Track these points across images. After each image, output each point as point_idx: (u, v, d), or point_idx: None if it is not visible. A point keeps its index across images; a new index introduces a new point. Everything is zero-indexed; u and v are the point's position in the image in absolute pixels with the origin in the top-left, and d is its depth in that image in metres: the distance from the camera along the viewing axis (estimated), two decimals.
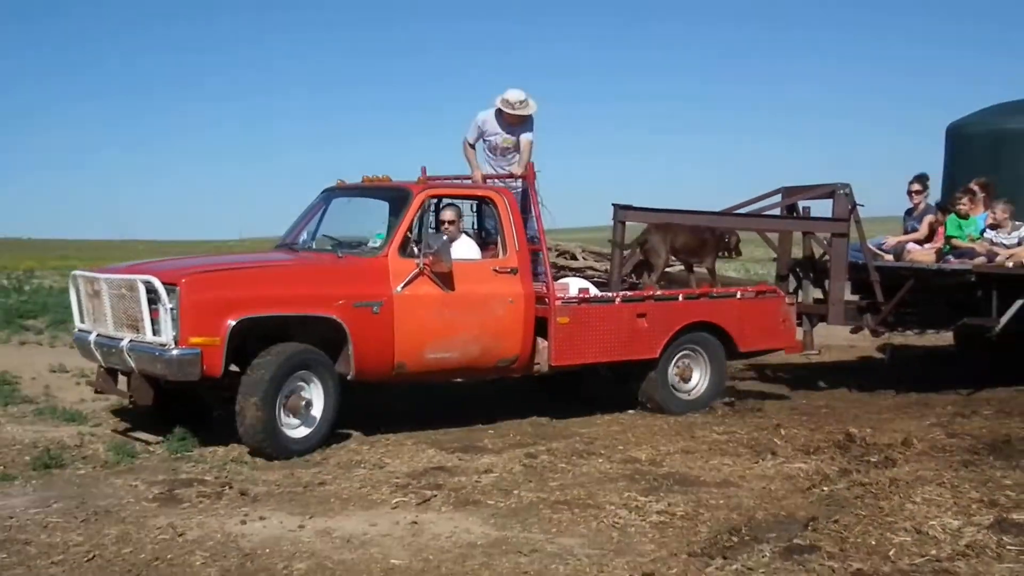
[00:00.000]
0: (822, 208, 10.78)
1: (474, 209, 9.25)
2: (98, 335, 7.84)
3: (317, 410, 7.53)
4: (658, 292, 9.43)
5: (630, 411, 9.34)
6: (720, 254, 10.28)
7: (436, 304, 7.99)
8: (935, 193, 11.76)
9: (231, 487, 6.47)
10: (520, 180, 9.14)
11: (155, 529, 5.57)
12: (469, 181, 9.42)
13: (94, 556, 5.14)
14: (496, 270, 8.39)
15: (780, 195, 10.97)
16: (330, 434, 7.65)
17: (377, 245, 8.08)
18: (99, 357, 7.91)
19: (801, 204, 10.96)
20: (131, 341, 7.38)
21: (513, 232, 8.50)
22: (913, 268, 10.42)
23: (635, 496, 6.31)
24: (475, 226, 9.28)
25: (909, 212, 11.39)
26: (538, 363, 8.67)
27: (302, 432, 7.48)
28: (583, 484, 6.67)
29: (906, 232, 11.36)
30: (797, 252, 11.42)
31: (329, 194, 9.21)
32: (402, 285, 7.83)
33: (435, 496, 6.34)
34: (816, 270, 11.12)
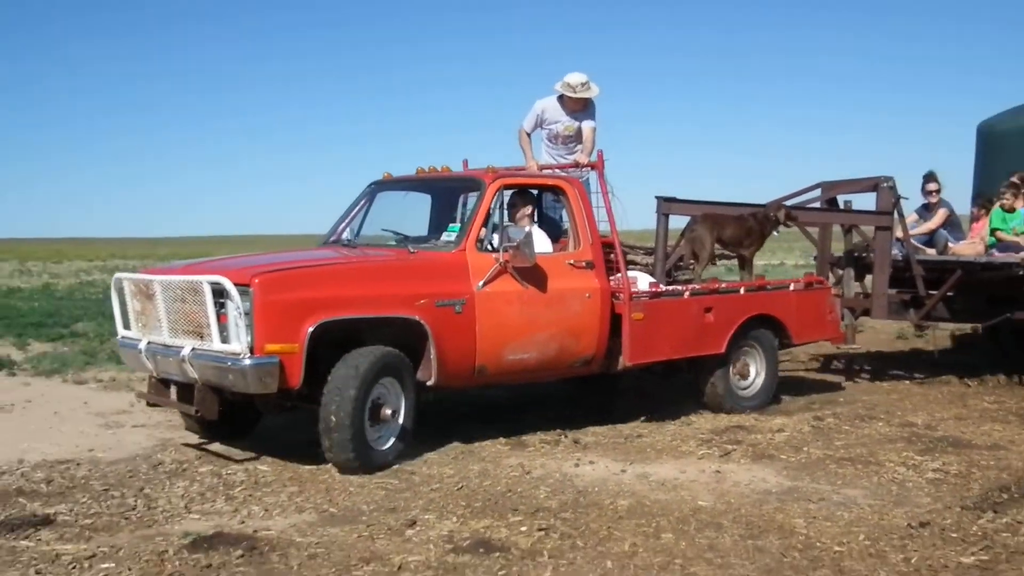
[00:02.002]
0: (863, 203, 10.47)
1: (537, 200, 8.47)
2: (150, 343, 6.94)
3: (400, 419, 6.76)
4: (722, 285, 8.80)
5: (906, 381, 10.34)
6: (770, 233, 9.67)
7: (517, 301, 7.26)
8: (962, 189, 11.48)
9: (566, 436, 7.53)
10: (583, 169, 8.40)
11: (508, 467, 6.67)
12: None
13: (462, 486, 6.21)
14: (571, 264, 7.64)
15: (819, 189, 10.53)
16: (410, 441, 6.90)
17: (452, 239, 7.29)
18: (151, 367, 7.02)
19: (842, 198, 10.44)
20: (194, 350, 6.51)
21: (586, 223, 7.80)
22: (960, 261, 10.02)
23: (912, 455, 6.98)
24: (535, 218, 8.52)
25: (925, 207, 11.05)
26: (612, 362, 7.95)
27: (389, 443, 6.71)
28: (865, 444, 7.42)
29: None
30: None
31: (375, 188, 8.39)
32: (483, 282, 7.08)
33: (735, 450, 7.19)
34: (858, 264, 10.74)
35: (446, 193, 8.40)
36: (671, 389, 9.28)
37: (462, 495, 6.01)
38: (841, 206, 10.37)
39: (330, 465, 6.50)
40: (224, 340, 6.33)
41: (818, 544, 5.11)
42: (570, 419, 8.06)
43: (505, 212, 7.55)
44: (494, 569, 4.78)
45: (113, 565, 4.82)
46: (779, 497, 5.96)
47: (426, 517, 5.56)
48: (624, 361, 7.88)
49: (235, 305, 6.20)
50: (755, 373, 9.01)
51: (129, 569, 4.77)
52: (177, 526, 5.49)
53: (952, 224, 10.94)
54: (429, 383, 6.89)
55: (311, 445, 6.64)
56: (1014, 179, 10.39)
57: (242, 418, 7.36)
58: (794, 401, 9.34)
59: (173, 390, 7.08)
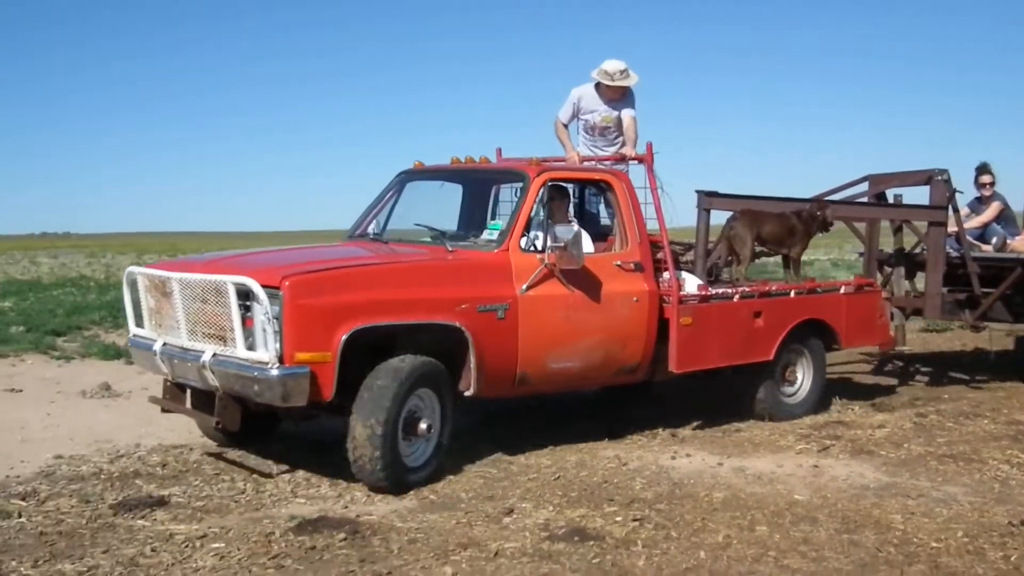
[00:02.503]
0: (912, 197, 9.88)
1: (576, 195, 7.89)
2: (166, 344, 6.39)
3: (435, 433, 6.20)
4: (773, 287, 8.24)
5: (1014, 379, 9.85)
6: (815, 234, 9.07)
7: (562, 306, 6.71)
8: (1014, 184, 10.92)
9: (663, 429, 7.57)
10: (627, 162, 7.81)
11: (604, 459, 6.70)
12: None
13: (559, 476, 6.29)
14: (619, 265, 7.07)
15: (867, 183, 9.91)
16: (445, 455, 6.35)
17: (494, 238, 6.72)
18: (167, 370, 6.48)
19: (892, 193, 9.86)
20: (215, 355, 5.95)
21: (634, 221, 7.23)
22: (1021, 259, 9.38)
23: (1017, 453, 6.89)
24: (574, 214, 7.94)
25: (978, 201, 10.45)
26: (657, 369, 7.41)
27: (423, 459, 6.17)
28: (968, 441, 7.33)
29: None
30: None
31: (405, 177, 7.81)
32: (527, 284, 6.52)
33: (833, 445, 7.19)
34: (909, 262, 10.16)
35: (482, 186, 7.84)
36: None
37: (559, 485, 6.10)
38: (891, 201, 9.80)
39: None
40: (250, 347, 5.78)
41: (915, 540, 5.12)
42: (667, 414, 8.05)
43: (549, 209, 6.95)
44: (588, 557, 4.86)
45: (223, 545, 5.02)
46: (877, 492, 5.97)
47: (523, 505, 5.68)
48: (671, 369, 7.34)
49: (263, 309, 5.64)
50: (802, 379, 8.50)
51: (238, 549, 4.96)
52: (284, 509, 5.67)
53: (1007, 218, 10.32)
54: (467, 393, 6.35)
55: None
56: None
57: (259, 424, 6.81)
58: (897, 397, 9.25)
59: (189, 396, 6.54)
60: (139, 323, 6.82)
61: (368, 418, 5.79)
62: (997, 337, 10.24)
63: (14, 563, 4.79)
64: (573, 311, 6.74)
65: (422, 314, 6.06)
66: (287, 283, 5.67)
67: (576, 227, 6.56)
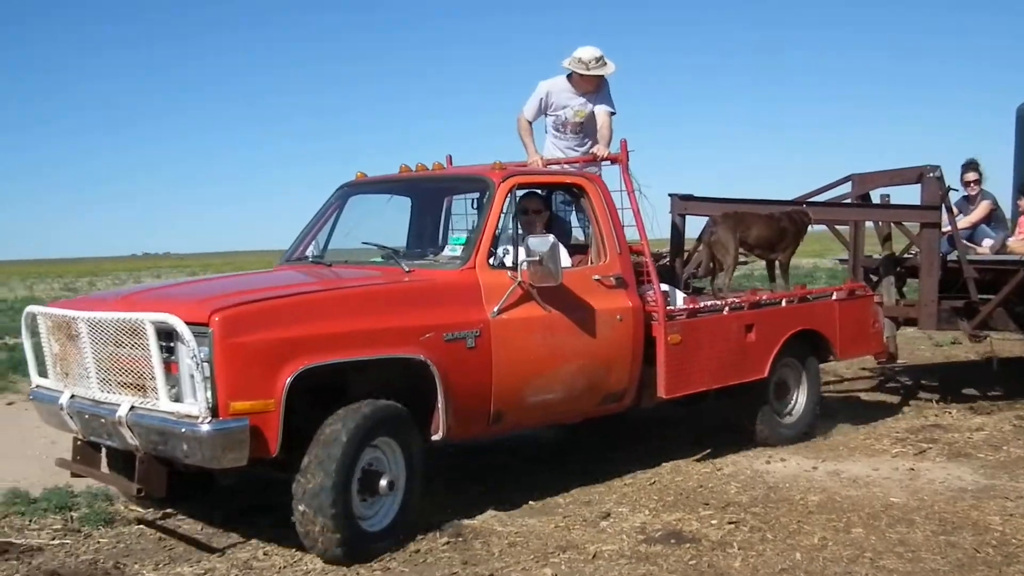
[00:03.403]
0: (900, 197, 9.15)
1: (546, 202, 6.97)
2: (74, 397, 5.37)
3: (399, 489, 5.25)
4: (763, 297, 7.44)
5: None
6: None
7: (539, 329, 5.83)
8: (1003, 175, 10.27)
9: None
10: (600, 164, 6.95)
11: (698, 464, 6.78)
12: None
13: (654, 481, 6.37)
14: (598, 280, 6.20)
15: (851, 183, 9.17)
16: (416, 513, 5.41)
17: (459, 254, 5.79)
18: (75, 427, 5.45)
19: (878, 193, 9.15)
20: (133, 409, 4.95)
21: (612, 230, 6.37)
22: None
23: None
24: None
25: (966, 200, 9.66)
26: (643, 395, 6.56)
27: (385, 521, 5.20)
28: None
29: None
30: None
31: (348, 191, 6.85)
32: (498, 306, 5.61)
33: (930, 448, 7.20)
34: (898, 268, 9.41)
35: (436, 197, 6.93)
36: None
37: (654, 490, 6.20)
38: (877, 201, 9.07)
39: (533, 460, 6.81)
40: (175, 398, 4.80)
41: (1013, 541, 5.10)
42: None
43: (518, 219, 6.05)
44: (685, 559, 4.94)
45: None
46: (975, 495, 5.96)
47: (620, 510, 5.79)
48: (659, 394, 6.49)
49: (189, 351, 4.66)
50: (794, 397, 7.73)
51: None
52: None
53: (996, 218, 9.58)
54: (435, 437, 5.42)
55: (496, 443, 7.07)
56: None
57: (188, 484, 5.75)
58: (995, 401, 8.99)
59: (105, 457, 5.51)
60: (42, 372, 5.78)
61: (313, 479, 4.84)
62: (998, 346, 9.52)
63: (136, 566, 4.97)
64: (551, 334, 5.85)
65: (380, 347, 5.10)
66: (217, 318, 4.69)
67: (552, 238, 5.67)
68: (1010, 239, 9.25)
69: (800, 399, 7.72)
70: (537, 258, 5.57)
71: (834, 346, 7.78)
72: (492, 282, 5.63)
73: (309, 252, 6.61)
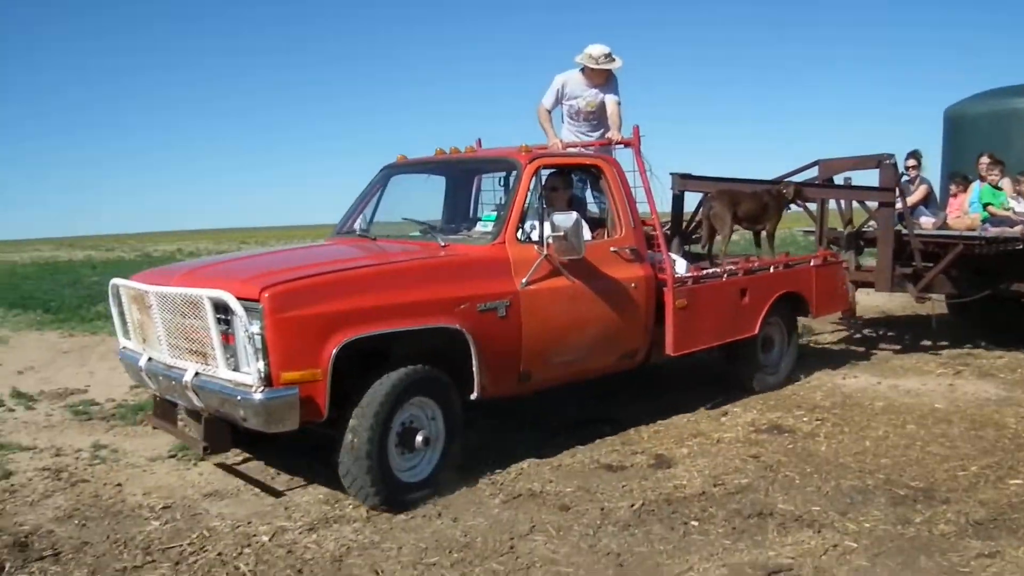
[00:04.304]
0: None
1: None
2: (151, 360, 4.63)
3: (438, 444, 4.49)
4: (755, 264, 6.59)
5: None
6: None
7: (564, 298, 5.00)
8: (933, 171, 9.51)
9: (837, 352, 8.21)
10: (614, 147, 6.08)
11: (792, 378, 6.92)
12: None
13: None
14: (615, 251, 5.35)
15: (817, 167, 8.32)
16: (456, 466, 4.61)
17: (489, 229, 4.96)
18: (153, 386, 4.72)
19: (841, 176, 8.31)
20: (197, 375, 4.21)
21: (627, 205, 5.51)
22: (962, 236, 7.89)
23: None
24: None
25: (907, 183, 8.87)
26: (653, 353, 5.74)
27: (424, 473, 4.46)
28: None
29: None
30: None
31: (389, 172, 6.01)
32: (527, 278, 4.78)
33: (965, 369, 7.41)
34: (859, 239, 8.62)
35: (468, 177, 6.10)
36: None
37: (760, 397, 6.45)
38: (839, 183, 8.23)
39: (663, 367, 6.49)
40: (232, 367, 4.05)
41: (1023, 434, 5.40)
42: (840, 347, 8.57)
43: (543, 197, 5.21)
44: (784, 444, 5.27)
45: None
46: (996, 403, 6.24)
47: (735, 410, 6.10)
48: (667, 352, 5.68)
49: (242, 326, 3.89)
50: (779, 351, 6.90)
51: None
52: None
53: (931, 200, 8.94)
54: (472, 397, 4.63)
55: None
56: (987, 158, 8.37)
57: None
58: (1013, 337, 8.47)
59: (182, 413, 4.78)
60: (127, 334, 5.05)
61: (353, 436, 4.13)
62: (939, 307, 8.77)
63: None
64: (575, 302, 5.04)
65: (420, 319, 4.32)
66: (267, 295, 3.92)
67: (575, 215, 4.83)
68: (949, 218, 8.52)
69: (783, 353, 6.92)
70: (562, 233, 4.76)
71: (811, 306, 6.98)
72: (520, 256, 4.82)
73: (357, 226, 5.79)
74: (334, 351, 3.98)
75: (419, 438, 4.37)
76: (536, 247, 4.87)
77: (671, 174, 7.35)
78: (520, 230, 4.99)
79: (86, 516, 4.30)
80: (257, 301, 3.90)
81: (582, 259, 4.99)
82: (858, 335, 9.35)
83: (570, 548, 3.75)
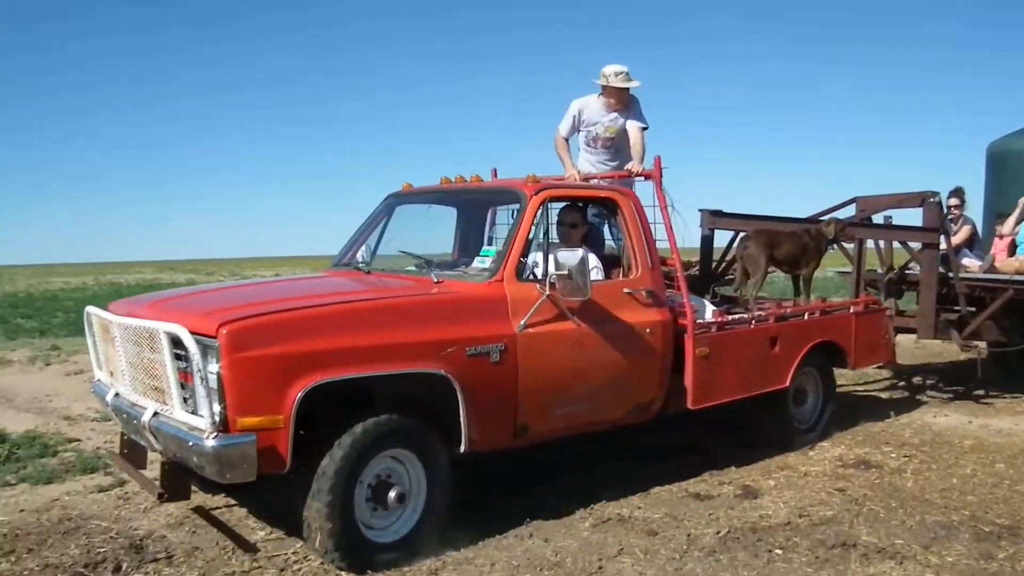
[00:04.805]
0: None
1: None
2: (117, 395, 4.28)
3: (419, 499, 4.01)
4: (788, 310, 6.04)
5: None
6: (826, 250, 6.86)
7: (567, 343, 4.52)
8: (974, 209, 8.94)
9: (927, 395, 7.92)
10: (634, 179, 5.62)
11: (883, 414, 6.98)
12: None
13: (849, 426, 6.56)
14: (629, 293, 4.86)
15: (854, 205, 7.79)
16: (440, 526, 4.12)
17: (487, 265, 4.51)
18: (120, 423, 4.36)
19: (882, 215, 7.76)
20: (156, 415, 3.83)
21: (644, 243, 5.02)
22: (1014, 280, 7.30)
23: None
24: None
25: (950, 222, 8.25)
26: (670, 405, 5.21)
27: (399, 533, 3.98)
28: None
29: None
30: None
31: (393, 201, 5.62)
32: (525, 320, 4.31)
33: None
34: (899, 282, 8.02)
35: (476, 208, 5.67)
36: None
37: (848, 432, 6.36)
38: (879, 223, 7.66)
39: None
40: (190, 409, 3.65)
41: None
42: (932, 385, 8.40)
43: (548, 232, 4.76)
44: (871, 478, 5.27)
45: None
46: None
47: (822, 444, 6.07)
48: (687, 405, 5.15)
49: (197, 364, 3.50)
50: (812, 405, 6.32)
51: None
52: None
53: (975, 241, 8.39)
54: (459, 450, 4.16)
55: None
56: None
57: None
58: None
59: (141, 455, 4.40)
60: (99, 366, 4.71)
61: (317, 486, 3.69)
62: (984, 355, 8.10)
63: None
64: (580, 348, 4.55)
65: (398, 362, 3.87)
66: (225, 331, 3.53)
67: (582, 251, 4.37)
68: (996, 260, 7.89)
69: (816, 407, 6.33)
70: (566, 272, 4.29)
71: (849, 356, 6.37)
72: (520, 295, 4.36)
73: (359, 257, 5.39)
74: (298, 396, 3.56)
75: (392, 494, 3.90)
76: (538, 286, 4.41)
77: (700, 211, 6.89)
78: (522, 267, 4.54)
79: (196, 524, 4.46)
80: (214, 338, 3.51)
81: (591, 300, 4.51)
82: (950, 373, 9.08)
83: (656, 571, 3.88)
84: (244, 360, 3.50)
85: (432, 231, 5.80)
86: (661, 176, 5.29)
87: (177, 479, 3.90)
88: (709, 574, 3.82)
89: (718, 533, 4.28)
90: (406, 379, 3.91)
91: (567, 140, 6.01)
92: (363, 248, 5.44)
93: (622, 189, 5.25)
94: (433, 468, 4.02)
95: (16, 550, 4.12)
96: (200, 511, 4.63)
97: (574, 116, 5.97)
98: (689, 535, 4.26)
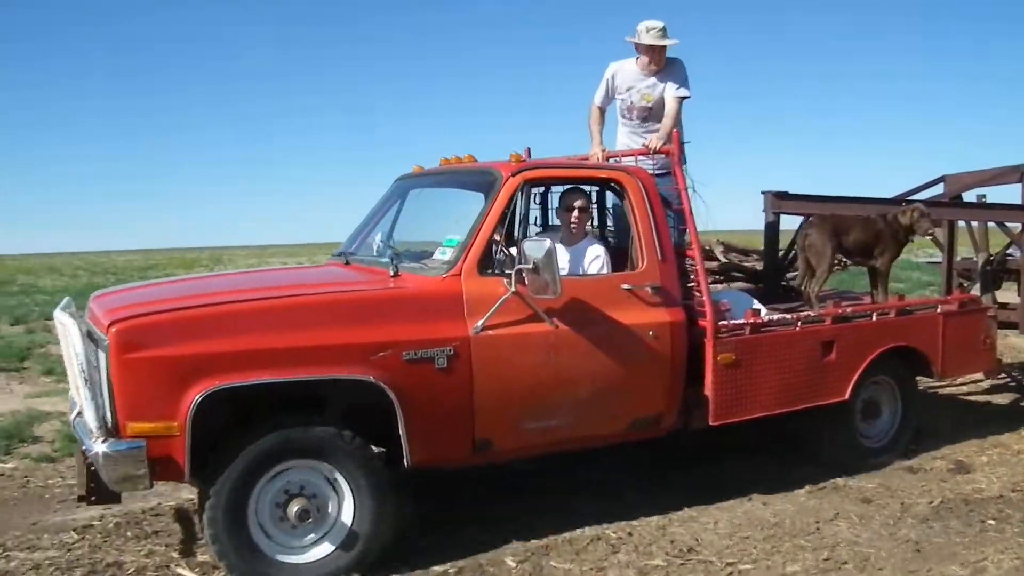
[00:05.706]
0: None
1: (594, 200, 4.99)
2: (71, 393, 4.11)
3: (346, 516, 3.57)
4: (848, 309, 5.12)
5: None
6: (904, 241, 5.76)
7: (540, 347, 3.91)
8: None
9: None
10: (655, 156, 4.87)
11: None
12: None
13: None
14: (629, 289, 4.18)
15: (942, 184, 6.71)
16: (393, 540, 3.68)
17: (447, 257, 3.97)
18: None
19: (974, 193, 6.60)
20: (79, 414, 3.62)
21: (653, 231, 4.31)
22: None
23: None
24: (594, 225, 5.08)
25: None
26: (690, 417, 4.49)
27: (316, 550, 3.54)
28: None
29: None
30: None
31: (403, 185, 5.14)
32: (484, 320, 3.75)
33: None
34: (998, 270, 6.80)
35: (466, 189, 5.11)
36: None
37: None
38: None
39: None
40: (93, 408, 3.37)
41: None
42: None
43: (527, 219, 4.16)
44: None
45: None
46: None
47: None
48: (708, 420, 4.42)
49: (91, 363, 3.22)
50: (887, 417, 5.39)
51: None
52: None
53: None
54: (405, 464, 3.67)
55: None
56: None
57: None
58: None
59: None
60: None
61: (216, 498, 3.34)
62: None
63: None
64: (556, 353, 3.93)
65: (316, 367, 3.42)
66: (114, 329, 3.21)
67: (548, 242, 3.73)
68: None
69: (893, 420, 5.38)
70: (531, 265, 3.69)
71: (935, 364, 5.35)
72: (480, 292, 3.80)
73: (361, 248, 4.93)
74: (196, 400, 3.20)
75: (293, 509, 3.48)
76: (505, 282, 3.84)
77: (763, 193, 6.04)
78: (493, 260, 3.97)
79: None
80: (103, 334, 3.21)
81: (574, 299, 3.90)
82: None
83: (871, 534, 4.09)
84: (133, 361, 3.18)
85: (446, 215, 5.31)
86: (681, 153, 4.55)
87: (100, 480, 3.66)
88: (922, 539, 4.01)
89: (931, 503, 4.49)
90: (331, 385, 3.46)
91: (602, 110, 5.21)
92: (378, 234, 5.00)
93: (631, 168, 4.54)
94: (362, 485, 3.54)
95: None
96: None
97: (607, 81, 5.16)
98: (903, 504, 4.48)
